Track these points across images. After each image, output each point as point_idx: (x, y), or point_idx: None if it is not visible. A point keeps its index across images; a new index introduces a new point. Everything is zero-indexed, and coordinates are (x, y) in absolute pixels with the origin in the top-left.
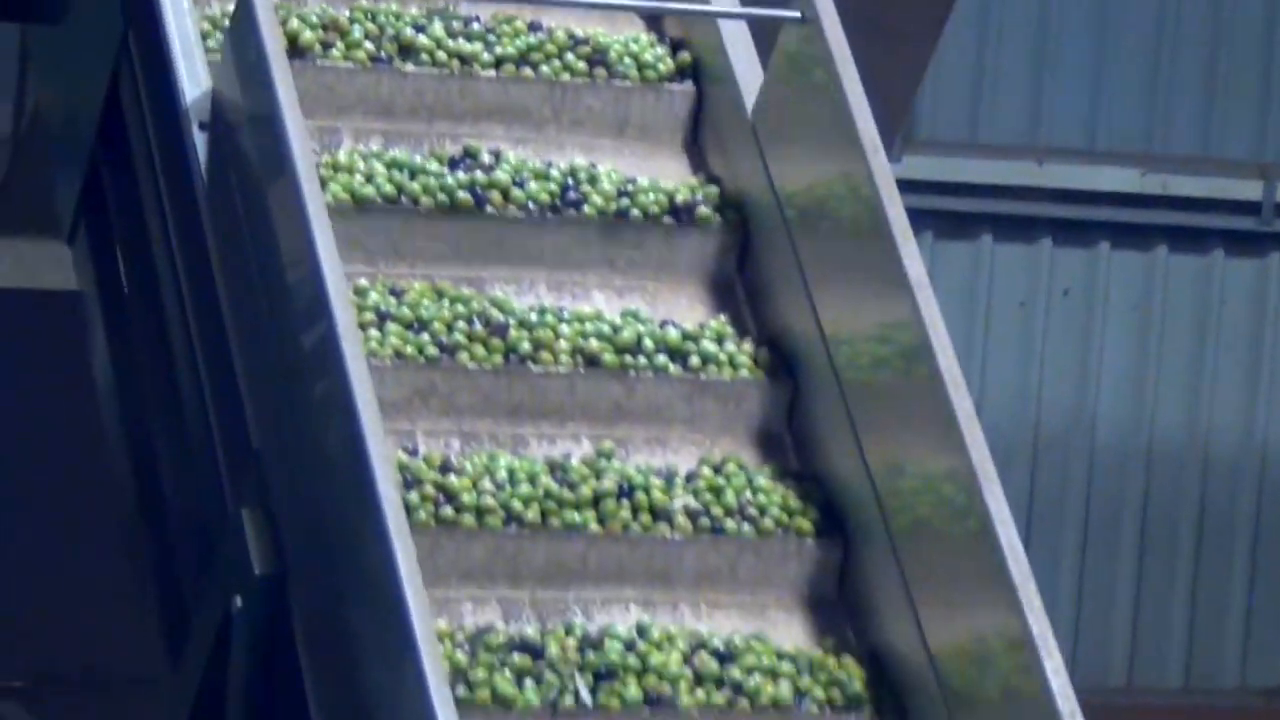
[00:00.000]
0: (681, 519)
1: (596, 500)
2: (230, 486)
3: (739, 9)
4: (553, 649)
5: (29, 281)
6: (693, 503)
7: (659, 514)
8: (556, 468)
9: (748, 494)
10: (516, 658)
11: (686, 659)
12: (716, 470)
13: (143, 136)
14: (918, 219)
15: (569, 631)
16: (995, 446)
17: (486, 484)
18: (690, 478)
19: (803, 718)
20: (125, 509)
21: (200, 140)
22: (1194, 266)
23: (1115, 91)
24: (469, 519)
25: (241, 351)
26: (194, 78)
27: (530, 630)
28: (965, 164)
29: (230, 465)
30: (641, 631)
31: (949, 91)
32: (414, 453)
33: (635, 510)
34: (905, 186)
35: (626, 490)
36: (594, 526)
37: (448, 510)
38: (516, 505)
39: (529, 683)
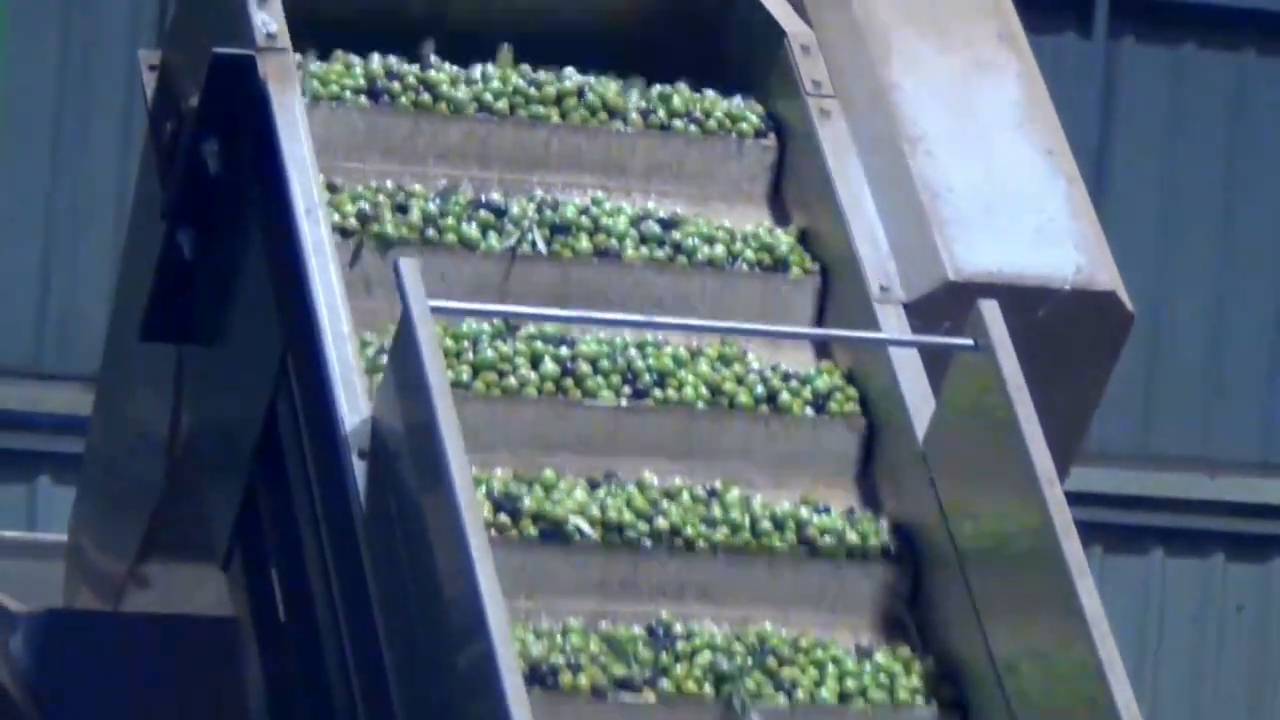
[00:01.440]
0: (634, 115)
1: (559, 98)
2: None
3: (911, 336)
4: (515, 209)
5: (182, 607)
6: (644, 104)
7: (615, 113)
8: (525, 75)
9: (695, 104)
10: (482, 214)
11: (634, 224)
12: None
13: (300, 463)
14: (1086, 532)
15: (531, 201)
16: None
17: (462, 80)
18: (643, 94)
19: (734, 274)
20: None
21: (360, 468)
22: None
23: None
24: (444, 106)
25: (399, 682)
26: (354, 405)
27: (497, 196)
28: (1135, 476)
29: None
30: (595, 203)
31: (1119, 404)
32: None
33: (593, 111)
34: (1074, 499)
35: (584, 91)
36: (556, 119)
37: (425, 97)
38: (488, 98)
39: (492, 234)
